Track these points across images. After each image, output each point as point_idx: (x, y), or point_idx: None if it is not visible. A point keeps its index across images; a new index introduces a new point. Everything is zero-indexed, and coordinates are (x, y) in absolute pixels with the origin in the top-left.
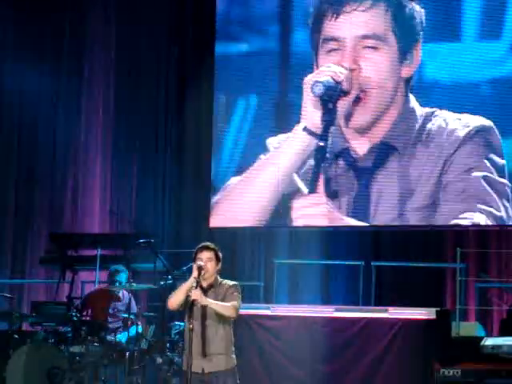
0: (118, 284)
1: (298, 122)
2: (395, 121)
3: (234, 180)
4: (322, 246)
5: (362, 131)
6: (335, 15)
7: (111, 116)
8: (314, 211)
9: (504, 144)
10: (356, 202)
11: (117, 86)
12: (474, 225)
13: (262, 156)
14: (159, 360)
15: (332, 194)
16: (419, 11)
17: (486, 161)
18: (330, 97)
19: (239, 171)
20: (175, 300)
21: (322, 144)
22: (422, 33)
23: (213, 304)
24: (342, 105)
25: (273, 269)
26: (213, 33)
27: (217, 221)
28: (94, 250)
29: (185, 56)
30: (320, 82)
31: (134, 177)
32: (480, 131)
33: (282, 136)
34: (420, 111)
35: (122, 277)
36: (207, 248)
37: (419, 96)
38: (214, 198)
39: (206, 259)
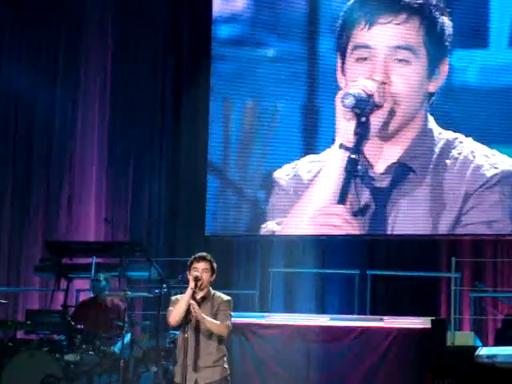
0: (99, 292)
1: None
2: (415, 138)
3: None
4: (318, 254)
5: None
6: (368, 25)
7: (107, 124)
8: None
9: None
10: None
11: (113, 95)
12: (469, 234)
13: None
14: (154, 369)
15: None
16: (448, 24)
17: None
18: (362, 110)
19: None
20: (176, 316)
21: (354, 156)
22: (449, 46)
23: (207, 321)
24: (375, 118)
25: (268, 277)
26: (209, 38)
27: (212, 229)
28: (88, 258)
29: (181, 66)
30: (350, 93)
31: (129, 185)
32: (507, 177)
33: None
34: (438, 132)
35: (101, 284)
36: (204, 258)
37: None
38: (210, 206)
39: (202, 270)
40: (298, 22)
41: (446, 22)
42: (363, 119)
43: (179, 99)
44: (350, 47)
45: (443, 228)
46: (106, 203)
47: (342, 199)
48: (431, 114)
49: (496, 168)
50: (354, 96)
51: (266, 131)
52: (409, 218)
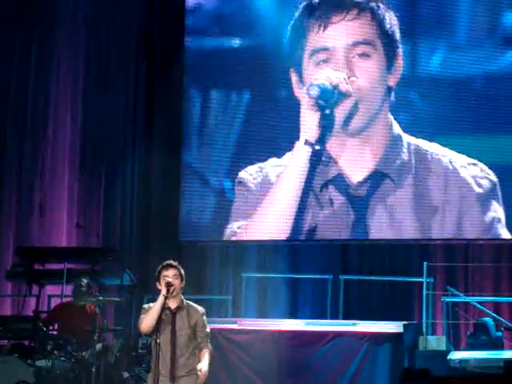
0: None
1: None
2: (384, 141)
3: (204, 193)
4: (291, 259)
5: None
6: (322, 27)
7: (78, 128)
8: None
9: None
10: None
11: (84, 99)
12: (440, 239)
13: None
14: (126, 375)
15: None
16: (394, 19)
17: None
18: (326, 101)
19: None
20: (148, 324)
21: (318, 148)
22: (400, 41)
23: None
24: (340, 111)
25: (241, 282)
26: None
27: (186, 235)
28: (60, 264)
29: (153, 65)
30: (315, 84)
31: (101, 190)
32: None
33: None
34: (405, 136)
35: (83, 289)
36: (172, 266)
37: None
38: (183, 212)
39: (172, 276)
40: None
41: (392, 16)
42: (327, 111)
43: (152, 102)
44: (306, 55)
45: (416, 233)
46: (78, 209)
47: (307, 201)
48: (393, 116)
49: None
50: (319, 86)
51: (239, 126)
52: (382, 223)
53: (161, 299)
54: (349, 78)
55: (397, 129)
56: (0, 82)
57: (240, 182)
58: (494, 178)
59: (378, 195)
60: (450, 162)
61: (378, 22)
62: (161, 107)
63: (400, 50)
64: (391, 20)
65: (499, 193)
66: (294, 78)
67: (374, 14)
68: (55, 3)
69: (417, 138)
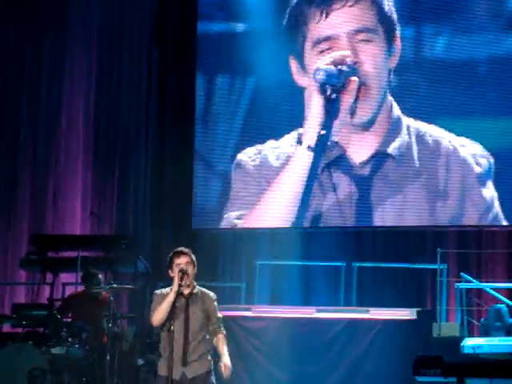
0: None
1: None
2: (389, 124)
3: (216, 182)
4: (304, 246)
5: (364, 129)
6: (324, 15)
7: (92, 117)
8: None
9: None
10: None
11: (97, 87)
12: (454, 225)
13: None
14: (140, 362)
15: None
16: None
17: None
18: (332, 85)
19: (222, 173)
20: (160, 317)
21: (323, 132)
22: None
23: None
24: (346, 97)
25: (254, 270)
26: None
27: (199, 222)
28: (74, 252)
29: (166, 53)
30: (322, 68)
31: (115, 178)
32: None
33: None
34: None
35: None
36: (183, 253)
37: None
38: (196, 199)
39: (185, 264)
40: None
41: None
42: (334, 96)
43: (165, 91)
44: (308, 44)
45: (429, 219)
46: (92, 197)
47: (313, 186)
48: (393, 98)
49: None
50: (325, 71)
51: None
52: (395, 208)
53: (172, 295)
54: (354, 63)
55: (397, 111)
56: (14, 71)
57: (238, 165)
58: (492, 159)
59: (381, 176)
60: (450, 143)
61: (378, 6)
62: (173, 95)
63: (398, 33)
64: (388, 2)
65: (493, 174)
66: (293, 65)
67: None
68: None
69: (416, 120)
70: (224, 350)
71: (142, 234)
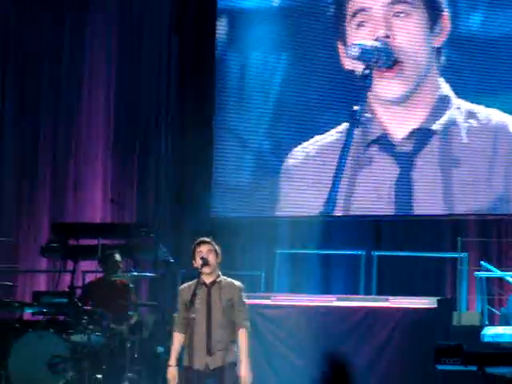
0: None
1: None
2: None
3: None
4: (324, 235)
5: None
6: None
7: (113, 104)
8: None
9: None
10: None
11: (118, 74)
12: (474, 214)
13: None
14: (160, 349)
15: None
16: None
17: None
18: (366, 61)
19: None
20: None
21: (356, 108)
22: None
23: (247, 359)
24: (379, 73)
25: (274, 258)
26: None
27: (218, 210)
28: (95, 239)
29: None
30: (356, 44)
31: (134, 165)
32: None
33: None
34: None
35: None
36: (205, 242)
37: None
38: (217, 187)
39: (206, 251)
40: None
41: None
42: (367, 71)
43: (184, 78)
44: (348, 15)
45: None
46: (112, 184)
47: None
48: (444, 78)
49: None
50: (360, 46)
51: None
52: (418, 197)
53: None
54: (387, 37)
55: (446, 90)
56: (33, 57)
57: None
58: None
59: (423, 154)
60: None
61: None
62: (193, 81)
63: (446, 11)
64: None
65: None
66: (341, 49)
67: None
68: None
69: (465, 100)
70: (243, 351)
71: (162, 221)
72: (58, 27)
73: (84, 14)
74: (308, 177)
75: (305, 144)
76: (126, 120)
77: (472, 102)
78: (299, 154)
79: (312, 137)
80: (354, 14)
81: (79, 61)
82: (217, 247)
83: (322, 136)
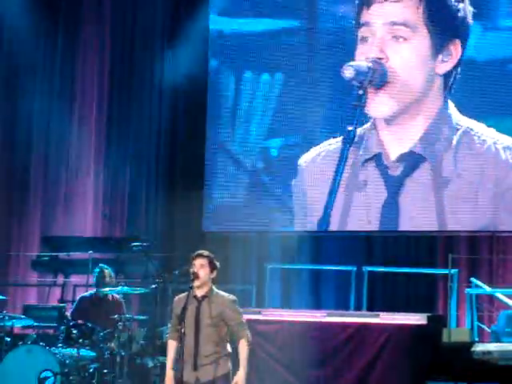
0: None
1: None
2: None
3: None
4: (314, 250)
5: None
6: (366, 4)
7: (104, 118)
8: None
9: None
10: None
11: (110, 91)
12: (465, 230)
13: None
14: (150, 363)
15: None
16: (463, 8)
17: None
18: (360, 82)
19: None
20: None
21: (350, 128)
22: (463, 29)
23: (244, 369)
24: (372, 94)
25: (265, 273)
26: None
27: (210, 225)
28: (85, 253)
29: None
30: (351, 65)
31: (126, 179)
32: None
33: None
34: (457, 120)
35: (106, 279)
36: (200, 255)
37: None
38: (208, 202)
39: (198, 266)
40: None
41: (457, 4)
42: (360, 92)
43: (176, 93)
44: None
45: (445, 222)
46: (103, 198)
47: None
48: (451, 100)
49: None
50: (353, 67)
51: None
52: (412, 212)
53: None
54: (381, 59)
55: (452, 110)
56: (26, 70)
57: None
58: None
59: (412, 177)
60: (504, 149)
61: (427, 7)
62: (185, 96)
63: (458, 38)
64: (450, 7)
65: None
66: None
67: None
68: None
69: (468, 118)
70: (241, 361)
71: (153, 235)
72: (50, 30)
73: (77, 26)
74: (299, 193)
75: (298, 161)
76: (117, 133)
77: (468, 119)
78: (292, 170)
79: (305, 153)
80: (358, 28)
81: (71, 73)
82: (214, 261)
83: (315, 153)
